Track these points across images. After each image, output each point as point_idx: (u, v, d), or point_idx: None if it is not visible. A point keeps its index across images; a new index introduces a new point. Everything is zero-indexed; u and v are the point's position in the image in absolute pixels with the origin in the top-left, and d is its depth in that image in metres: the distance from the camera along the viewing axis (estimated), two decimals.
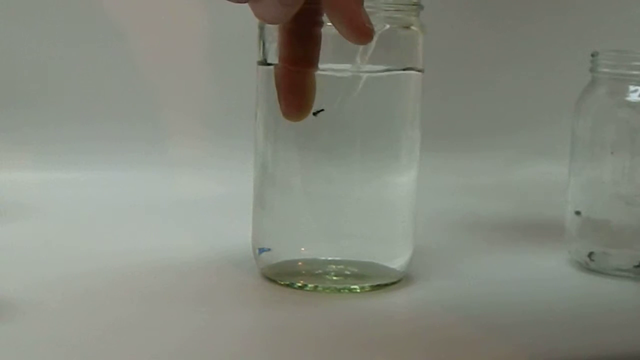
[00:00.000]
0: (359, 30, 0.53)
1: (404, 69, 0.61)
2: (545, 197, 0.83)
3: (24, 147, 0.91)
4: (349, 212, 0.61)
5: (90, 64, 0.92)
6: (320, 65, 0.57)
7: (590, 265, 0.67)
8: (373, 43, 0.57)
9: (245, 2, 0.53)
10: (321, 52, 0.57)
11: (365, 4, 0.59)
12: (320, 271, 0.61)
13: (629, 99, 0.67)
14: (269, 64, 0.60)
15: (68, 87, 0.92)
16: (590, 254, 0.67)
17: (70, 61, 0.92)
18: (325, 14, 0.54)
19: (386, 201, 0.61)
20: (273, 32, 0.60)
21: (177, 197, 0.85)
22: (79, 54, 0.92)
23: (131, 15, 0.93)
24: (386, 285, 0.62)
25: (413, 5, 0.61)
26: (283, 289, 0.61)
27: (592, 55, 0.68)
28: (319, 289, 0.60)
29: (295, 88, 0.56)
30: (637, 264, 0.66)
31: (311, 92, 0.57)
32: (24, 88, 0.91)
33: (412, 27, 0.61)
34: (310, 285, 0.60)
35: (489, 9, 1.02)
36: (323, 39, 0.57)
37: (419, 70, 0.61)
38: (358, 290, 0.61)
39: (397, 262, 0.62)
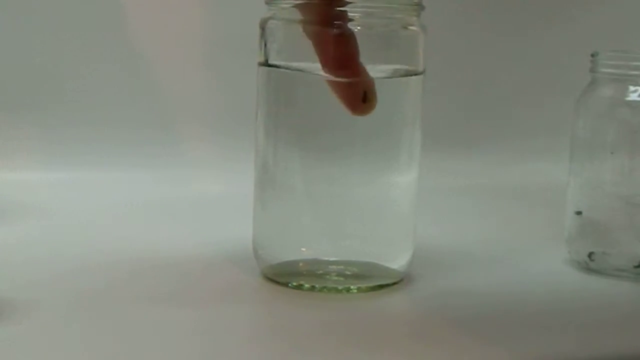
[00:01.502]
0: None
1: (405, 73, 0.61)
2: (545, 197, 0.83)
3: (29, 148, 0.91)
4: (350, 213, 0.61)
5: (93, 66, 0.92)
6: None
7: (590, 265, 0.67)
8: None
9: None
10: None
11: (365, 3, 0.59)
12: (321, 271, 0.61)
13: (629, 99, 0.67)
14: (270, 65, 0.60)
15: (71, 88, 0.92)
16: (590, 254, 0.67)
17: (74, 63, 0.92)
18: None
19: (387, 201, 0.61)
20: (275, 33, 0.60)
21: (177, 196, 0.85)
22: (82, 56, 0.92)
23: (136, 16, 0.93)
24: (387, 285, 0.62)
25: (414, 5, 0.61)
26: (284, 289, 0.61)
27: (592, 55, 0.68)
28: (320, 289, 0.60)
29: (352, 95, 0.57)
30: (636, 264, 0.66)
31: (368, 86, 0.57)
32: (31, 91, 0.91)
33: (413, 27, 0.61)
34: (311, 286, 0.60)
35: (489, 10, 1.02)
36: None
37: (419, 72, 0.61)
38: (358, 291, 0.61)
39: (398, 262, 0.62)
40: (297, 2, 0.58)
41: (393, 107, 0.61)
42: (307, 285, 0.60)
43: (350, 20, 0.58)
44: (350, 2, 0.58)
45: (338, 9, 0.58)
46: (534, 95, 1.02)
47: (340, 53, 0.57)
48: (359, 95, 0.57)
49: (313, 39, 0.57)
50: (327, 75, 0.57)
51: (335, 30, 0.57)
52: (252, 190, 0.63)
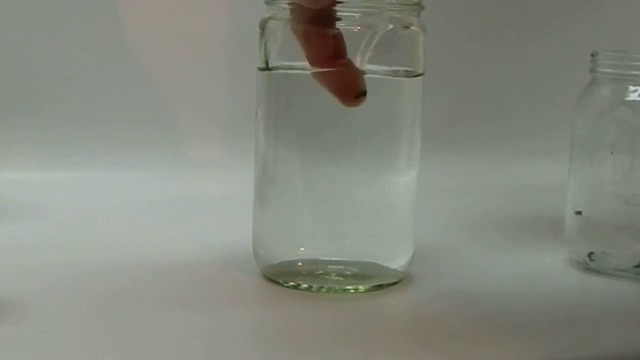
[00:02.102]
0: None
1: (406, 72, 0.61)
2: (545, 197, 0.83)
3: (30, 148, 0.91)
4: (350, 212, 0.61)
5: (94, 66, 0.93)
6: None
7: (590, 265, 0.67)
8: (374, 42, 0.58)
9: None
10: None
11: (366, 3, 0.59)
12: (320, 271, 0.61)
13: (629, 99, 0.67)
14: (270, 69, 0.60)
15: (73, 89, 0.92)
16: (590, 254, 0.67)
17: (76, 64, 0.92)
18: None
19: (387, 201, 0.61)
20: (275, 33, 0.60)
21: (177, 197, 0.85)
22: (83, 57, 0.92)
23: (143, 16, 0.93)
24: (387, 285, 0.62)
25: (414, 5, 0.61)
26: (283, 289, 0.61)
27: (592, 55, 0.68)
28: (320, 289, 0.60)
29: (342, 83, 0.57)
30: (636, 264, 0.66)
31: (360, 78, 0.57)
32: (32, 91, 0.92)
33: (413, 27, 0.61)
34: (310, 286, 0.60)
35: (489, 9, 1.02)
36: None
37: (419, 72, 0.61)
38: (359, 291, 0.61)
39: (398, 262, 0.62)
40: (289, 2, 0.58)
41: (393, 107, 0.61)
42: (306, 286, 0.60)
43: (338, 19, 0.58)
44: (340, 2, 0.58)
45: (325, 9, 0.58)
46: (534, 95, 1.02)
47: (327, 48, 0.57)
48: (352, 86, 0.57)
49: (301, 37, 0.57)
50: (316, 69, 0.57)
51: (322, 28, 0.57)
52: (251, 190, 0.63)
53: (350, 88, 0.57)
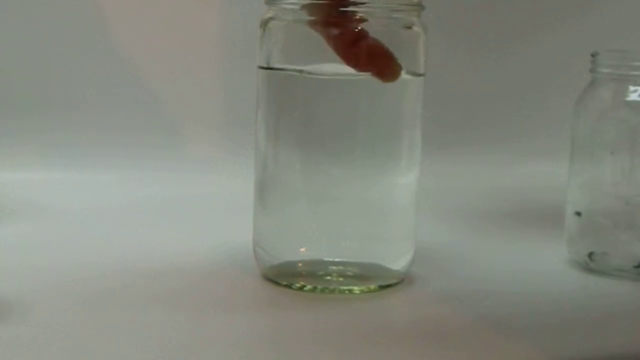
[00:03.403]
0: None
1: (405, 74, 0.61)
2: (545, 197, 0.83)
3: (32, 149, 0.92)
4: (350, 213, 0.61)
5: (95, 67, 0.93)
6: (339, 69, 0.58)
7: (590, 265, 0.67)
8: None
9: None
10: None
11: (368, 3, 0.59)
12: (321, 272, 0.61)
13: (629, 99, 0.67)
14: (270, 68, 0.60)
15: (73, 90, 0.92)
16: (590, 254, 0.67)
17: (77, 66, 0.92)
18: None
19: (388, 202, 0.61)
20: (276, 34, 0.60)
21: (177, 197, 0.85)
22: (85, 58, 0.92)
23: (143, 17, 0.93)
24: (388, 286, 0.62)
25: (414, 5, 0.61)
26: (283, 290, 0.61)
27: (592, 55, 0.68)
28: (320, 290, 0.60)
29: (378, 58, 0.58)
30: (637, 264, 0.66)
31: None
32: (33, 93, 0.92)
33: (414, 28, 0.61)
34: (311, 286, 0.61)
35: (489, 9, 1.02)
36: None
37: (420, 72, 0.61)
38: (359, 292, 0.61)
39: (399, 263, 0.62)
40: (305, 2, 0.58)
41: (394, 107, 0.61)
42: (306, 286, 0.60)
43: (364, 20, 0.58)
44: (360, 3, 0.58)
45: (343, 9, 0.58)
46: (534, 95, 1.02)
47: (350, 36, 0.57)
48: (387, 62, 0.58)
49: (324, 36, 0.57)
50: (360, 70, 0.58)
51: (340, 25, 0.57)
52: (252, 190, 0.63)
53: (385, 63, 0.58)
